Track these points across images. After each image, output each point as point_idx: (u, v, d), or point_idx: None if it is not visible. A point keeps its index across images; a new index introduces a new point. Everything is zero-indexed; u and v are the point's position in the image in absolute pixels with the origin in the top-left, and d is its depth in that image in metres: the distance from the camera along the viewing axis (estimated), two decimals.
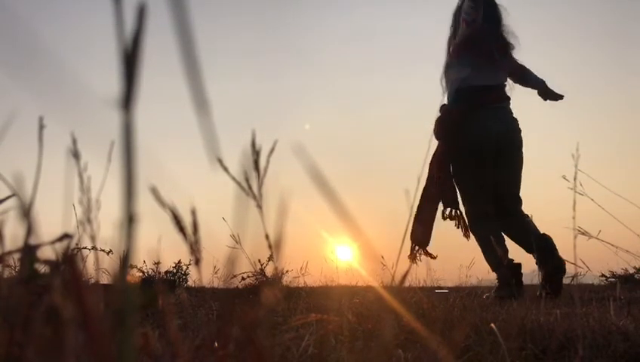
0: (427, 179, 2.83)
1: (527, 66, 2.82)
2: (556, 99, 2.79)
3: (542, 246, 2.49)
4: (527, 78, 2.83)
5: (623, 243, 1.35)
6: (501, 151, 2.66)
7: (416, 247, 2.76)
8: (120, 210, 0.26)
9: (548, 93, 2.79)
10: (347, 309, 1.29)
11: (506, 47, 2.75)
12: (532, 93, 2.83)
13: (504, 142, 2.67)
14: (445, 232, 2.83)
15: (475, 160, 2.67)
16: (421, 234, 2.75)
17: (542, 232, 2.59)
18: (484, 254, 2.77)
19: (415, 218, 2.77)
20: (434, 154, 2.87)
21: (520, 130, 2.73)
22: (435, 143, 2.87)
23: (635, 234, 1.36)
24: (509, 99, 2.76)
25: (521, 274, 2.66)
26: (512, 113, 2.75)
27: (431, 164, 2.84)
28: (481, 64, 2.72)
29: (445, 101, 2.92)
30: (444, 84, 2.95)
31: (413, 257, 2.76)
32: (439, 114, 2.87)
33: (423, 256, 2.77)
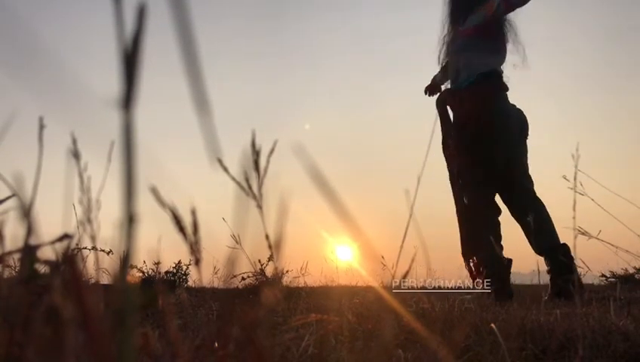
0: (453, 176, 2.74)
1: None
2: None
3: (562, 262, 2.39)
4: None
5: (623, 243, 1.35)
6: (523, 134, 2.68)
7: (471, 260, 2.62)
8: (120, 210, 0.26)
9: None
10: (347, 309, 1.29)
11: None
12: (532, 92, 2.83)
13: (526, 125, 2.70)
14: (445, 232, 2.83)
15: (511, 139, 2.62)
16: (471, 243, 2.63)
17: (561, 242, 2.51)
18: (482, 237, 2.61)
19: (460, 222, 2.68)
20: (449, 138, 2.78)
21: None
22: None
23: (635, 234, 1.36)
24: None
25: (510, 272, 2.61)
26: None
27: (450, 151, 2.76)
28: (504, 50, 2.70)
29: (447, 82, 2.88)
30: (446, 60, 2.88)
31: (475, 275, 2.59)
32: (448, 100, 2.82)
33: (424, 258, 2.67)
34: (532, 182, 2.64)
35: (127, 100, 0.26)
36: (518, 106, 2.72)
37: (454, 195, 2.74)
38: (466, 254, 2.66)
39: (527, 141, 2.72)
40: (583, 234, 1.17)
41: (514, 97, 2.73)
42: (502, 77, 2.69)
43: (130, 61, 0.26)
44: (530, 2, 2.45)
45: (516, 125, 2.65)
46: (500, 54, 2.69)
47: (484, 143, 2.62)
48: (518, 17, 2.74)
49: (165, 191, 0.41)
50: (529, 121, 2.72)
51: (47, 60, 0.28)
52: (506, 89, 2.68)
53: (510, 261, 2.61)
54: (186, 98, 0.28)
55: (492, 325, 0.86)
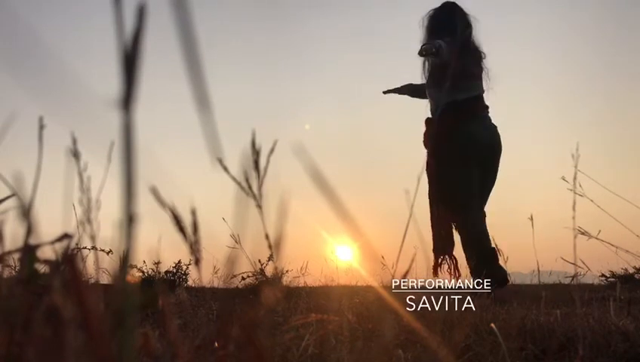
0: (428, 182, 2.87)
1: (494, 85, 2.92)
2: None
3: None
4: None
5: (623, 243, 1.35)
6: (487, 157, 2.78)
7: (442, 257, 2.72)
8: (120, 210, 0.26)
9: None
10: (347, 309, 1.29)
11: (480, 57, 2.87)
12: (532, 93, 2.86)
13: (489, 150, 2.80)
14: None
15: (465, 163, 2.74)
16: (443, 241, 2.74)
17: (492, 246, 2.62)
18: (477, 243, 2.70)
19: (432, 225, 2.79)
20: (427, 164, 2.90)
21: (500, 139, 2.86)
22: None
23: (635, 234, 1.36)
24: (488, 107, 2.88)
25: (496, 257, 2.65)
26: (491, 120, 2.88)
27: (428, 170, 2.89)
28: (475, 76, 2.82)
29: (429, 114, 2.99)
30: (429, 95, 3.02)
31: (436, 269, 2.71)
32: (426, 127, 2.95)
33: (424, 258, 2.74)
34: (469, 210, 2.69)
35: (127, 100, 0.26)
36: (500, 125, 2.83)
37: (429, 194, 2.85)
38: (438, 251, 2.76)
39: (494, 162, 2.82)
40: (583, 234, 1.17)
41: (513, 99, 2.76)
42: (475, 102, 2.81)
43: (130, 61, 0.26)
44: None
45: (474, 149, 2.74)
46: (473, 81, 2.82)
47: (444, 164, 2.76)
48: (517, 16, 2.77)
49: (165, 191, 0.41)
50: (528, 125, 2.80)
51: (47, 60, 0.28)
52: (479, 112, 2.81)
53: (494, 249, 2.65)
54: (186, 98, 0.28)
55: (492, 325, 0.86)
